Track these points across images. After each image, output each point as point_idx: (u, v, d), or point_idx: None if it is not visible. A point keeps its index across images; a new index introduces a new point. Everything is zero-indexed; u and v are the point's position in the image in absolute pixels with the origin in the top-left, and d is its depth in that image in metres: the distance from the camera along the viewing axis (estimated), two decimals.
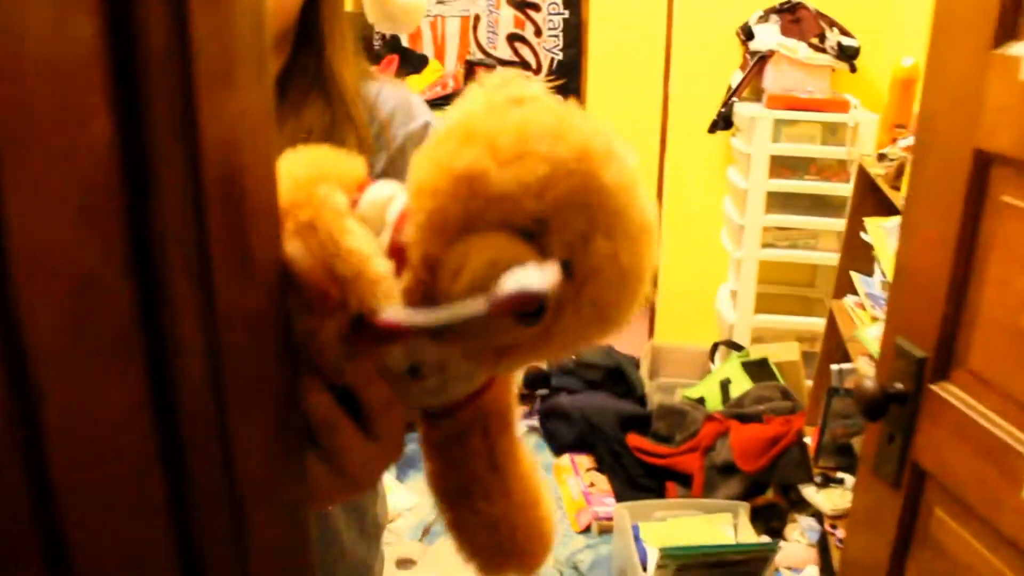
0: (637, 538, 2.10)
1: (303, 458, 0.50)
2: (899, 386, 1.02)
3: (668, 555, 1.88)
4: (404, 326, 0.48)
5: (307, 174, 0.51)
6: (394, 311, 0.48)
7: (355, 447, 0.53)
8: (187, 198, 0.32)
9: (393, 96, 0.89)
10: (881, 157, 2.19)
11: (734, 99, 2.91)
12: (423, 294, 0.49)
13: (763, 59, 2.80)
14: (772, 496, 2.20)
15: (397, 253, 0.50)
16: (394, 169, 0.84)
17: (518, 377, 0.62)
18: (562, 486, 2.56)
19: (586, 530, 2.39)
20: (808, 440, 2.20)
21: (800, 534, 2.12)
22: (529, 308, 0.45)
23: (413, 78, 3.21)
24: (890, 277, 1.32)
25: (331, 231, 0.48)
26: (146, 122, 0.30)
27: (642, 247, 0.50)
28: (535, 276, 0.45)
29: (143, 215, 0.30)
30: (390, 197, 0.53)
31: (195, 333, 0.33)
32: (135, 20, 0.29)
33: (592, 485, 2.50)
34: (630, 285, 0.50)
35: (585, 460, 2.62)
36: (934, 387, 0.99)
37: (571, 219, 0.48)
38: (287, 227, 0.48)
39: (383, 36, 3.58)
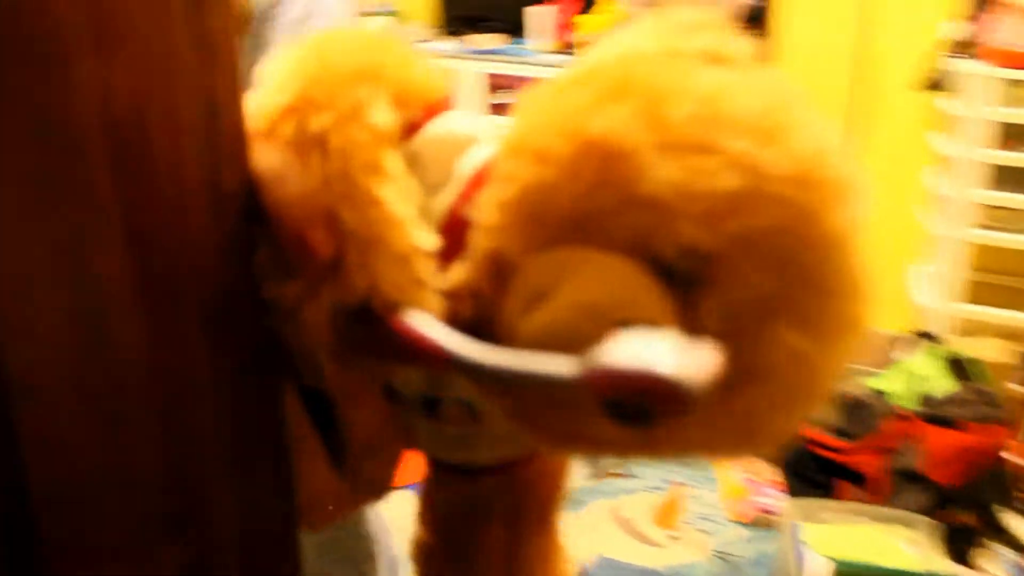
0: (797, 538, 1.91)
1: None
2: None
3: (845, 571, 1.68)
4: (436, 348, 0.28)
5: (345, 64, 0.31)
6: (424, 320, 0.29)
7: (316, 478, 0.35)
8: None
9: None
10: None
11: (947, 53, 2.56)
12: (475, 307, 0.30)
13: (984, 6, 2.44)
14: (964, 516, 1.95)
15: (454, 230, 0.31)
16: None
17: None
18: (718, 466, 2.38)
19: (748, 522, 2.21)
20: (1011, 457, 1.93)
21: (995, 566, 1.87)
22: (648, 404, 0.26)
23: (581, 18, 3.02)
24: None
25: (351, 159, 0.29)
26: None
27: (846, 344, 0.31)
28: (670, 356, 0.25)
29: None
30: (468, 139, 0.34)
31: None
32: None
33: (755, 472, 2.31)
34: (810, 397, 0.31)
35: None
36: None
37: (753, 275, 0.28)
38: (282, 132, 0.29)
39: None
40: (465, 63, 3.18)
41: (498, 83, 3.53)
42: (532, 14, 3.15)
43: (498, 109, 3.49)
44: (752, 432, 0.31)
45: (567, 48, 3.09)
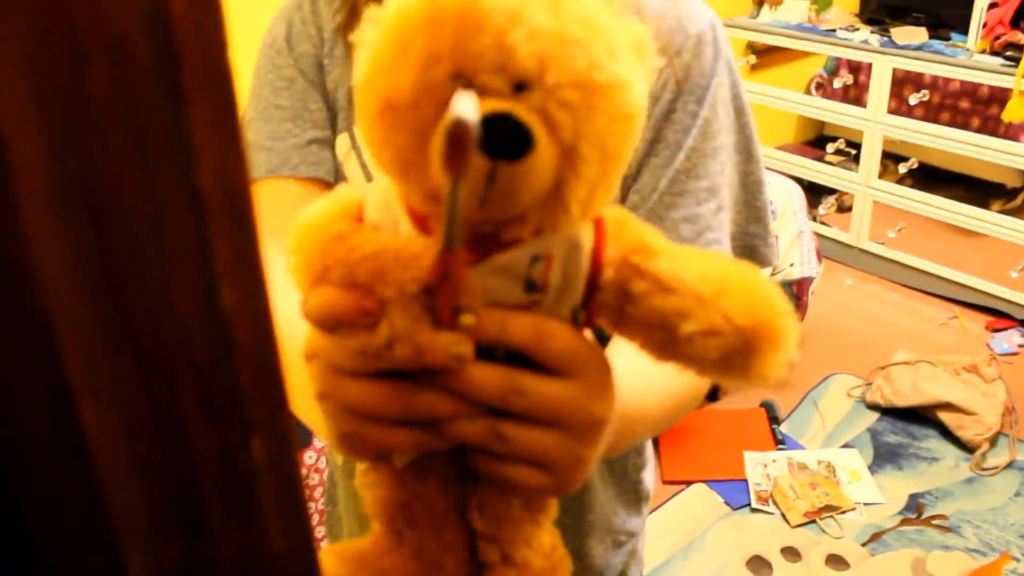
0: None
1: None
2: None
3: None
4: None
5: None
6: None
7: (550, 398, 0.40)
8: None
9: (659, 8, 0.70)
10: None
11: None
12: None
13: None
14: None
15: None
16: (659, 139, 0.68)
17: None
18: None
19: None
20: None
21: None
22: (461, 144, 0.32)
23: None
24: None
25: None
26: None
27: (633, 128, 0.38)
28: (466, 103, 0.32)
29: None
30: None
31: None
32: None
33: None
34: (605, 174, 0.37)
35: None
36: None
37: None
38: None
39: None
40: (880, 57, 2.97)
41: (917, 83, 3.26)
42: (976, 7, 2.81)
43: (912, 111, 3.23)
44: (565, 202, 0.37)
45: (1003, 49, 2.75)
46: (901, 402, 2.46)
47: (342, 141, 0.74)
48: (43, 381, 0.25)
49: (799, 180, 3.08)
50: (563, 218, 0.38)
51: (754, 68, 3.46)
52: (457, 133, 0.32)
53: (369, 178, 0.72)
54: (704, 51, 0.70)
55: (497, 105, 0.34)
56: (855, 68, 3.45)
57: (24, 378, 0.25)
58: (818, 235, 2.90)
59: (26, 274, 0.23)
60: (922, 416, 2.45)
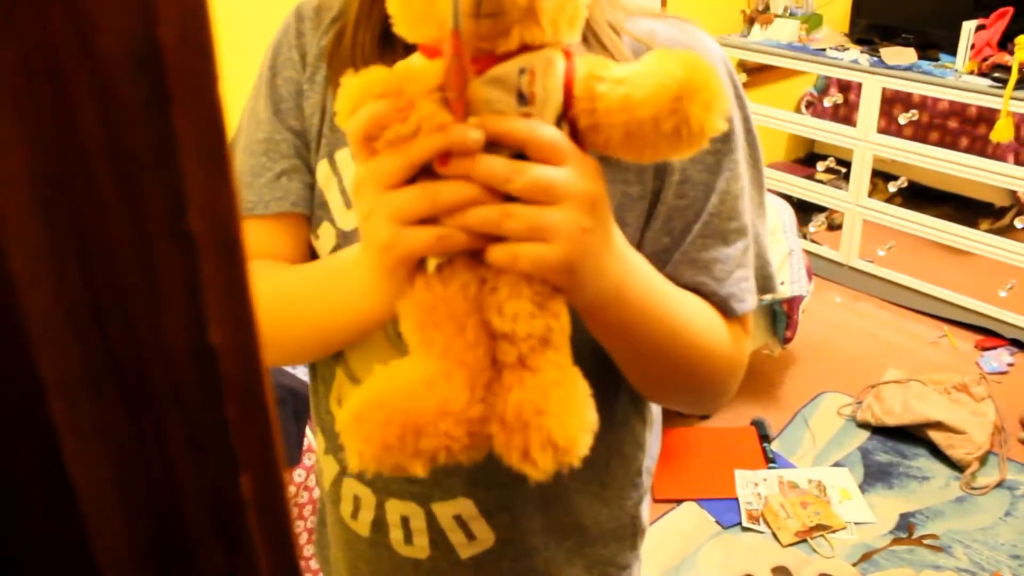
0: None
1: None
2: None
3: None
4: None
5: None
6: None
7: (545, 175, 0.50)
8: None
9: (671, 33, 0.70)
10: None
11: None
12: None
13: None
14: None
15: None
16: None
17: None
18: None
19: None
20: None
21: None
22: None
23: None
24: None
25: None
26: None
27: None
28: None
29: None
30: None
31: None
32: None
33: None
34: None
35: None
36: None
37: None
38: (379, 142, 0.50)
39: None
40: (870, 77, 2.99)
41: (906, 102, 3.29)
42: (965, 29, 2.83)
43: (902, 130, 3.25)
44: (538, 17, 0.49)
45: (991, 70, 2.77)
46: (892, 421, 2.46)
47: (322, 168, 0.73)
48: (27, 421, 0.25)
49: (789, 198, 3.10)
50: (538, 33, 0.50)
51: (745, 86, 3.46)
52: None
53: (348, 204, 0.72)
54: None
55: None
56: (845, 87, 3.48)
57: (7, 418, 0.25)
58: (808, 253, 2.92)
59: (12, 315, 0.23)
60: (912, 435, 2.45)
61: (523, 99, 0.50)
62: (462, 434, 0.50)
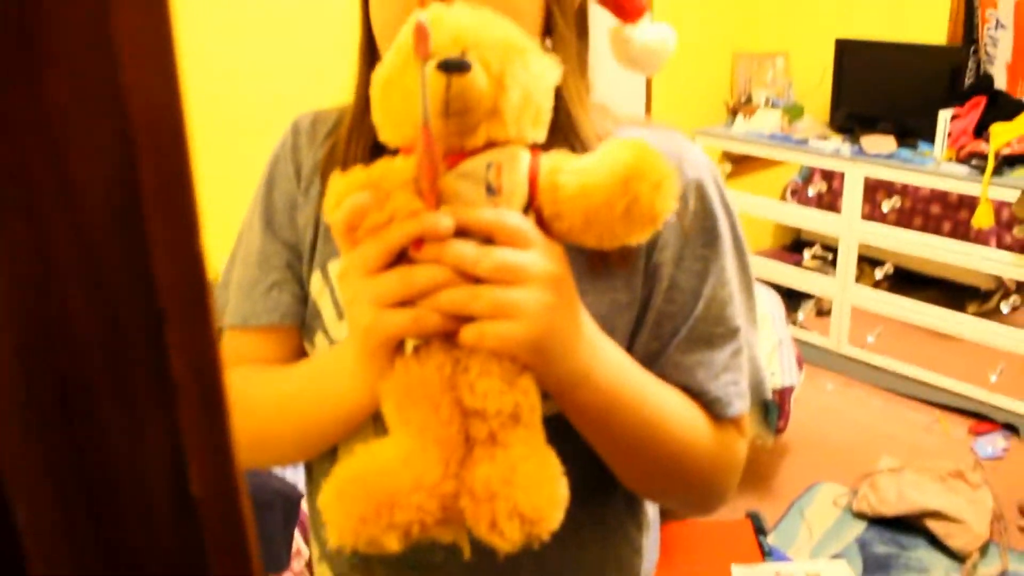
0: None
1: None
2: None
3: None
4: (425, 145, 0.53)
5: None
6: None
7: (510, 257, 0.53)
8: None
9: (656, 141, 0.71)
10: None
11: None
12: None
13: None
14: None
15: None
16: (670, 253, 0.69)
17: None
18: None
19: None
20: None
21: None
22: (422, 36, 0.51)
23: (998, 127, 2.74)
24: None
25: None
26: None
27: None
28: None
29: None
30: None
31: None
32: None
33: None
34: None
35: None
36: None
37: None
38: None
39: (975, 74, 3.13)
40: (852, 165, 3.05)
41: (888, 189, 3.35)
42: (941, 118, 2.90)
43: (886, 217, 3.30)
44: (502, 117, 0.55)
45: (968, 158, 2.83)
46: (888, 511, 2.43)
47: (316, 279, 0.74)
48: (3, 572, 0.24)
49: (777, 286, 3.12)
50: (502, 130, 0.55)
51: (730, 176, 3.54)
52: (419, 27, 0.50)
53: (341, 315, 0.73)
54: (707, 194, 0.71)
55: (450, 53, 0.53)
56: (828, 175, 3.54)
57: None
58: (798, 341, 2.92)
59: None
60: (910, 525, 2.41)
61: (491, 191, 0.55)
62: (435, 508, 0.53)
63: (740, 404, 0.72)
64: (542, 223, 0.57)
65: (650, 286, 0.70)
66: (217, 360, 0.24)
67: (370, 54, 0.69)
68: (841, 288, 3.19)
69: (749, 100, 3.53)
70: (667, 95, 3.24)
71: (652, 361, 0.70)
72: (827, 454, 2.78)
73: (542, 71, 0.57)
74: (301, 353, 0.76)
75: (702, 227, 0.71)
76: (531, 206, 0.57)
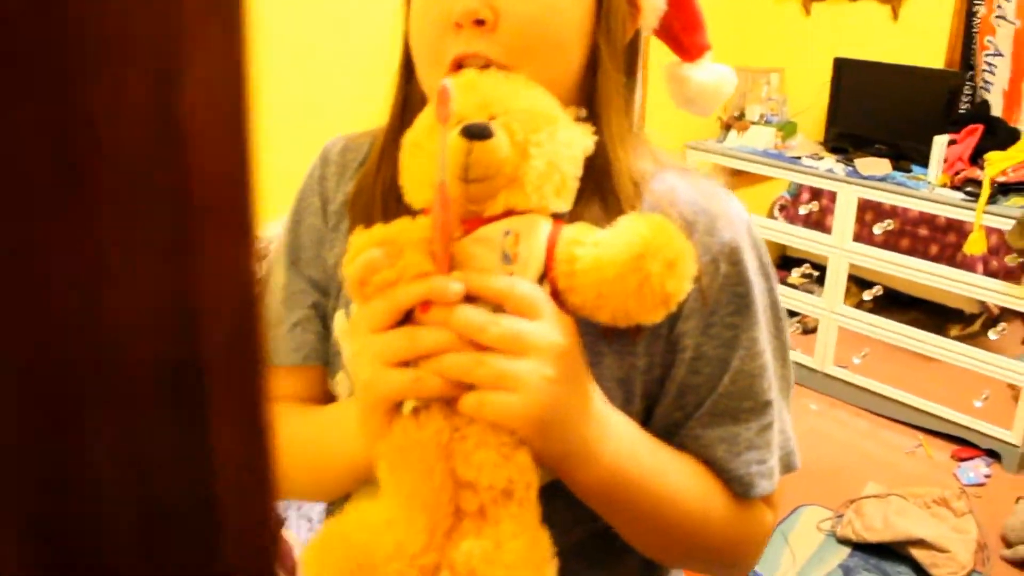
0: None
1: None
2: None
3: None
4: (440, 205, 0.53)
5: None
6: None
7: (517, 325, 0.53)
8: None
9: (693, 196, 0.68)
10: None
11: None
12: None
13: None
14: None
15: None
16: (700, 320, 0.65)
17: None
18: None
19: None
20: None
21: None
22: (444, 100, 0.51)
23: (994, 155, 2.73)
24: None
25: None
26: None
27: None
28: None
29: None
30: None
31: None
32: None
33: None
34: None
35: None
36: None
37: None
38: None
39: (971, 100, 3.12)
40: (845, 186, 3.04)
41: (877, 210, 3.34)
42: (937, 143, 2.88)
43: (874, 238, 3.29)
44: (522, 185, 0.56)
45: (963, 184, 2.82)
46: (873, 537, 2.41)
47: (339, 317, 0.72)
48: None
49: None
50: (523, 199, 0.55)
51: None
52: (441, 91, 0.50)
53: None
54: (742, 259, 0.67)
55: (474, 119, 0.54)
56: (817, 192, 3.53)
57: None
58: None
59: None
60: (895, 552, 2.40)
61: (506, 258, 0.54)
62: None
63: (765, 484, 0.68)
64: (556, 295, 0.55)
65: (672, 355, 0.66)
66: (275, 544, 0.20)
67: (407, 74, 0.68)
68: (829, 308, 3.17)
69: (742, 115, 3.50)
70: (661, 107, 3.21)
71: (672, 431, 0.67)
72: (810, 476, 2.76)
73: (570, 141, 0.57)
74: (326, 391, 0.74)
75: (733, 294, 0.66)
76: (546, 277, 0.56)
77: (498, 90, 0.56)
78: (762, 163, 3.27)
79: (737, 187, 3.61)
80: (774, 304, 0.70)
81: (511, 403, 0.51)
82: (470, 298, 0.53)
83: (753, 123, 3.44)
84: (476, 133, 0.52)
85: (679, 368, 0.66)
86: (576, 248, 0.55)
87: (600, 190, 0.63)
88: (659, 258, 0.52)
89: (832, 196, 3.13)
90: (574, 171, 0.58)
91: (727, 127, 3.49)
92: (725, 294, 0.66)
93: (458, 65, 0.59)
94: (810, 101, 3.54)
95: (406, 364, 0.53)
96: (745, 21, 3.67)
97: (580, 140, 0.58)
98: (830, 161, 3.17)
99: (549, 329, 0.53)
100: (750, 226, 0.70)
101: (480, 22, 0.59)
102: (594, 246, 0.54)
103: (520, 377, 0.51)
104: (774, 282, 0.71)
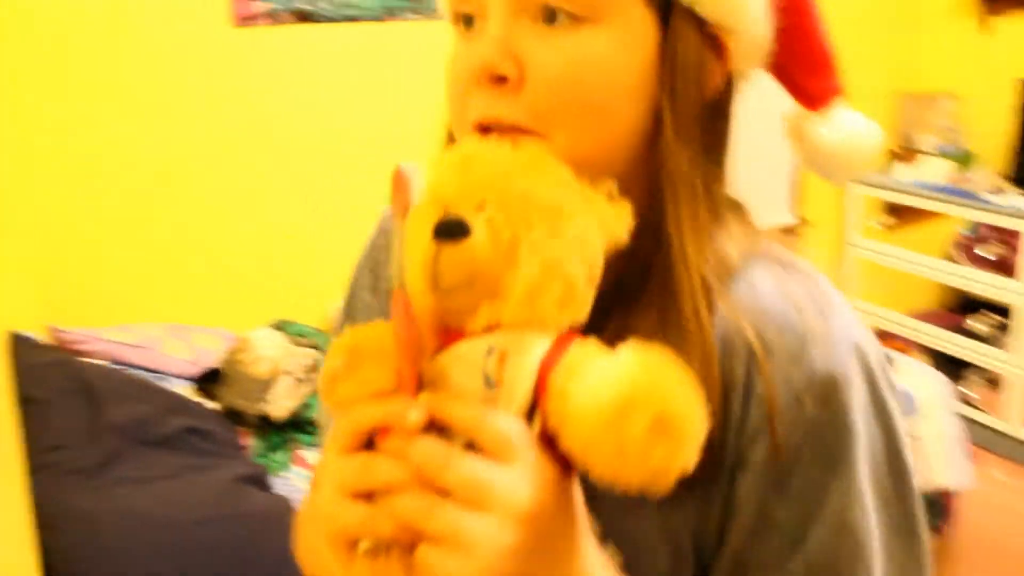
0: None
1: None
2: None
3: None
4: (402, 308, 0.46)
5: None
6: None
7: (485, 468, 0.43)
8: None
9: (781, 305, 0.52)
10: None
11: None
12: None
13: None
14: None
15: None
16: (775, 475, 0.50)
17: None
18: None
19: None
20: None
21: None
22: (400, 187, 0.45)
23: None
24: None
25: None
26: None
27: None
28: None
29: None
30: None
31: None
32: None
33: None
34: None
35: None
36: None
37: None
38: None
39: None
40: None
41: None
42: None
43: None
44: (506, 297, 0.45)
45: None
46: None
47: None
48: None
49: (938, 353, 2.77)
50: (508, 313, 0.45)
51: (889, 227, 3.20)
52: (397, 177, 0.46)
53: None
54: (837, 398, 0.50)
55: (451, 213, 0.45)
56: (1000, 231, 3.15)
57: None
58: (961, 416, 2.56)
59: None
60: None
61: (489, 383, 0.45)
62: None
63: None
64: (546, 435, 0.45)
65: (725, 515, 0.52)
66: None
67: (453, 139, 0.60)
68: (1018, 364, 2.80)
69: (912, 145, 3.18)
70: None
71: None
72: (999, 560, 2.41)
73: (584, 236, 0.45)
74: None
75: (821, 443, 0.50)
76: (538, 408, 0.45)
77: (496, 168, 0.45)
78: (937, 199, 2.95)
79: (907, 223, 3.28)
80: (894, 458, 0.52)
81: (456, 570, 0.42)
82: (442, 426, 0.45)
83: (925, 153, 3.11)
84: (446, 231, 0.44)
85: (736, 535, 0.51)
86: (571, 382, 0.43)
87: (663, 294, 0.50)
88: (638, 418, 0.40)
89: (1017, 235, 2.77)
90: (589, 273, 0.46)
91: (896, 158, 3.18)
92: (809, 443, 0.50)
93: (485, 130, 0.50)
94: (990, 128, 3.18)
95: (368, 495, 0.45)
96: (912, 39, 3.34)
97: (602, 232, 0.47)
98: (1014, 196, 2.82)
99: (519, 481, 0.43)
100: (862, 349, 0.52)
101: (502, 79, 0.49)
102: (588, 379, 0.43)
103: (473, 539, 0.42)
104: (895, 430, 0.52)
